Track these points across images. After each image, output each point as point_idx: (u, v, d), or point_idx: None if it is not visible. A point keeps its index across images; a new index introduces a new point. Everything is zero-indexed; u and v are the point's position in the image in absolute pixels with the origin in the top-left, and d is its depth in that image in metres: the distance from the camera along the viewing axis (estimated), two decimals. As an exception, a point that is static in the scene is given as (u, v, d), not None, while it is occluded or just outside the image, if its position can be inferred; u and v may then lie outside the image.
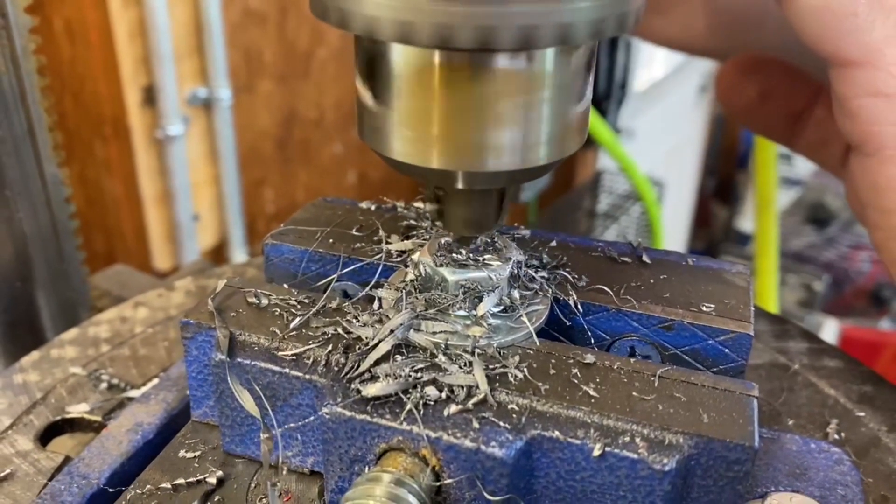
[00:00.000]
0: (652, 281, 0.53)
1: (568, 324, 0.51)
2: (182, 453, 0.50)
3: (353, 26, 0.39)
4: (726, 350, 0.49)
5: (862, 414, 0.63)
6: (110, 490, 0.49)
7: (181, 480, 0.48)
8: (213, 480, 0.48)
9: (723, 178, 4.83)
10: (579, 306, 0.50)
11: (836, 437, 0.61)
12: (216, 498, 0.47)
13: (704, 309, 0.50)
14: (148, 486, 0.48)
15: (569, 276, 0.52)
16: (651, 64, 3.37)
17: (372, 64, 0.43)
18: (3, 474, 0.55)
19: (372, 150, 0.46)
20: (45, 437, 0.60)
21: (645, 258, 0.55)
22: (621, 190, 3.07)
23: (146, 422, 0.57)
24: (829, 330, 3.18)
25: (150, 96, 1.73)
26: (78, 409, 0.62)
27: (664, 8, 0.74)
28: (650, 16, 0.75)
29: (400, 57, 0.41)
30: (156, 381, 0.64)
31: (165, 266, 1.92)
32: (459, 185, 0.44)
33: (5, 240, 0.76)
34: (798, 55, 0.69)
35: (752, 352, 0.70)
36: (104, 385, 0.65)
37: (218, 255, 2.08)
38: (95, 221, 1.86)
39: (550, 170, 0.46)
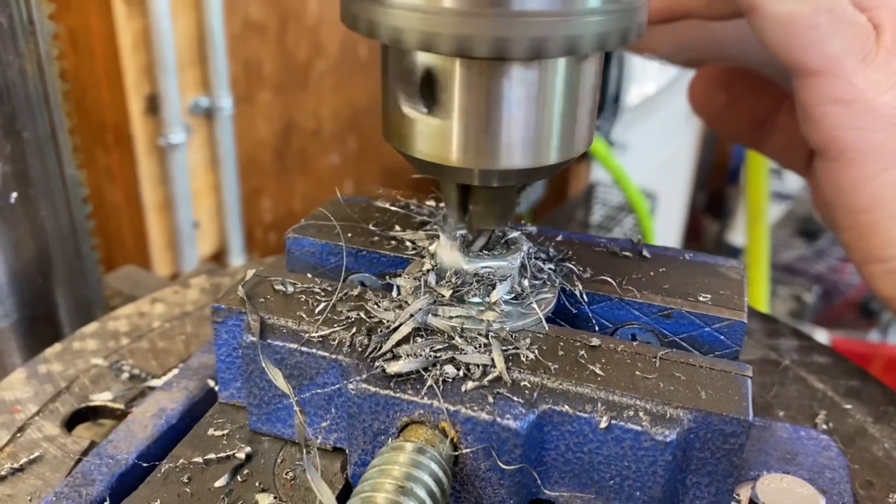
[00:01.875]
0: (652, 273, 0.57)
1: (574, 312, 0.54)
2: (211, 431, 0.53)
3: (380, 35, 0.43)
4: (722, 336, 0.52)
5: (849, 406, 0.67)
6: (144, 465, 0.52)
7: (212, 455, 0.51)
8: (241, 455, 0.51)
9: (714, 192, 4.88)
10: (584, 296, 0.54)
11: (825, 426, 0.64)
12: (245, 471, 0.50)
13: (701, 299, 0.54)
14: (181, 461, 0.50)
15: (574, 269, 0.56)
16: (644, 79, 3.42)
17: (397, 71, 0.46)
18: (32, 457, 0.57)
19: (396, 149, 0.49)
20: (70, 423, 0.63)
21: (645, 253, 0.59)
22: (614, 202, 3.12)
23: (170, 407, 0.59)
24: (820, 341, 3.21)
25: (152, 105, 1.76)
26: (101, 398, 0.65)
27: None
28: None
29: (423, 64, 0.45)
30: (176, 370, 0.67)
31: (165, 273, 1.94)
32: (475, 182, 0.48)
33: (29, 237, 0.78)
34: (775, 66, 0.73)
35: (745, 348, 0.74)
36: (125, 375, 0.68)
37: (217, 262, 2.10)
38: (96, 228, 1.88)
39: (560, 169, 0.50)
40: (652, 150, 3.51)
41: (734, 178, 4.64)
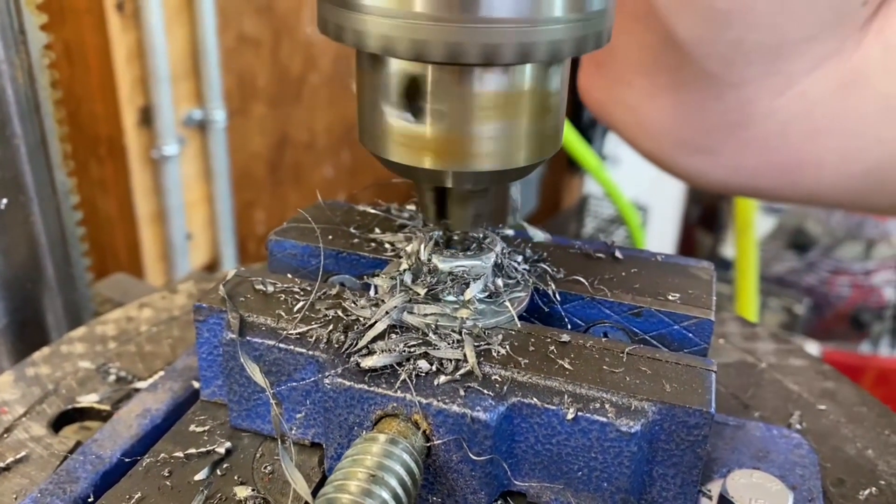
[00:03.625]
0: (623, 274, 0.58)
1: (547, 311, 0.56)
2: (192, 428, 0.54)
3: (345, 39, 0.44)
4: (690, 334, 0.54)
5: (823, 407, 0.68)
6: (128, 461, 0.53)
7: (192, 450, 0.52)
8: (221, 450, 0.52)
9: (707, 206, 4.91)
10: (557, 295, 0.55)
11: (799, 426, 0.66)
12: (224, 465, 0.51)
13: (671, 298, 0.55)
14: (162, 455, 0.52)
15: (548, 269, 0.57)
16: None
17: (370, 75, 0.48)
18: (18, 456, 0.58)
19: (371, 153, 0.51)
20: (57, 424, 0.64)
21: (618, 254, 0.61)
22: (606, 214, 3.14)
23: (154, 408, 0.60)
24: (811, 353, 3.21)
25: (146, 117, 1.78)
26: (88, 399, 0.66)
27: (713, 147, 0.77)
28: (695, 156, 0.78)
29: (394, 69, 0.46)
30: (162, 373, 0.68)
31: (157, 284, 1.95)
32: (449, 184, 0.49)
33: (20, 242, 0.80)
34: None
35: (723, 351, 0.75)
36: (112, 378, 0.69)
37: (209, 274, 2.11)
38: (89, 239, 1.89)
39: (531, 171, 0.51)
40: (644, 164, 3.53)
41: (727, 191, 4.65)
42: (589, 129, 2.86)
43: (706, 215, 4.85)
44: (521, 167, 0.49)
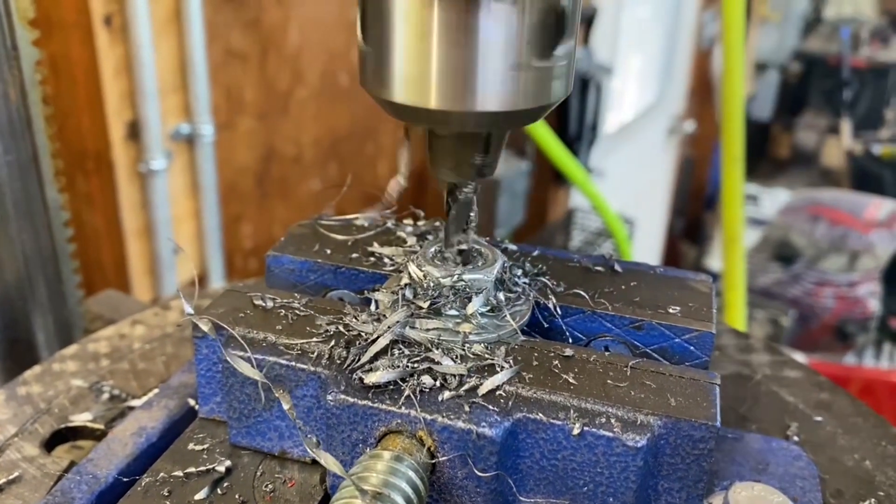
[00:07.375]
0: (623, 287, 0.58)
1: (547, 325, 0.55)
2: (191, 446, 0.54)
3: None
4: (692, 347, 0.54)
5: (819, 419, 0.68)
6: (125, 481, 0.52)
7: (192, 469, 0.51)
8: (221, 469, 0.51)
9: (691, 219, 4.94)
10: (558, 309, 0.55)
11: (796, 438, 0.66)
12: (225, 484, 0.51)
13: (671, 311, 0.55)
14: (161, 475, 0.51)
15: (548, 283, 0.57)
16: (621, 107, 3.47)
17: (374, 12, 0.46)
18: (11, 477, 0.57)
19: (372, 97, 0.49)
20: (50, 444, 0.63)
21: (617, 268, 0.61)
22: (593, 227, 3.15)
23: (150, 426, 0.60)
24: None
25: (133, 131, 1.77)
26: (81, 418, 0.65)
27: None
28: None
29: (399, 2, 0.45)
30: (156, 390, 0.67)
31: (145, 299, 1.93)
32: (451, 126, 0.48)
33: (10, 259, 0.79)
34: None
35: (718, 364, 0.76)
36: (106, 396, 0.68)
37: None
38: (76, 253, 1.87)
39: (537, 117, 0.49)
40: (629, 177, 3.56)
41: (711, 204, 4.71)
42: (575, 142, 2.88)
43: (690, 228, 4.89)
44: (526, 109, 0.47)
